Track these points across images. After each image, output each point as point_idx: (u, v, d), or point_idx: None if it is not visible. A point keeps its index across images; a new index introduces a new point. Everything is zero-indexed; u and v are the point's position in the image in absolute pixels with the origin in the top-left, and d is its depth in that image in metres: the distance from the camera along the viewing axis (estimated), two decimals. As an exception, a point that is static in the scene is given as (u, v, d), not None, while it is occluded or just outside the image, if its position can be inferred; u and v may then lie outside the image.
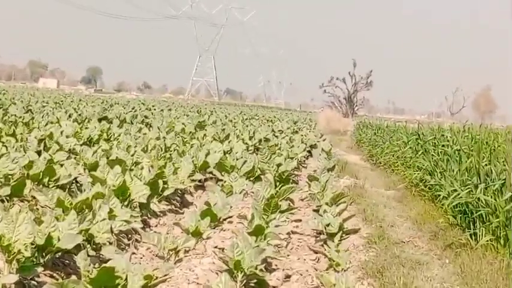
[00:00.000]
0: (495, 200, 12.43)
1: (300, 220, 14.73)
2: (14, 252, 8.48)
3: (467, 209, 13.93)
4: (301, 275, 10.45)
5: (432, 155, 20.36)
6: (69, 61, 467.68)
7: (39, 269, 8.91)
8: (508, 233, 11.52)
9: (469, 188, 14.19)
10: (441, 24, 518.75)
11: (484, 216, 12.95)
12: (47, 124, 28.91)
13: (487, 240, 12.09)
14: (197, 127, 39.94)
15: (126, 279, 7.87)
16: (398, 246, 12.41)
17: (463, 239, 12.84)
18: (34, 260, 8.75)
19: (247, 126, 48.29)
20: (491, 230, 12.33)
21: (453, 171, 16.45)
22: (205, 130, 37.55)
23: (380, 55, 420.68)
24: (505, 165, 13.46)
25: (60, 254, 9.49)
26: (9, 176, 13.19)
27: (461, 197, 14.33)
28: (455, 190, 14.82)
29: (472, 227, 13.42)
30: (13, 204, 11.42)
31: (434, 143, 21.76)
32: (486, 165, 14.45)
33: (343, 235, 12.59)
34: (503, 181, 12.81)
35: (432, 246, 12.71)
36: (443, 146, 20.37)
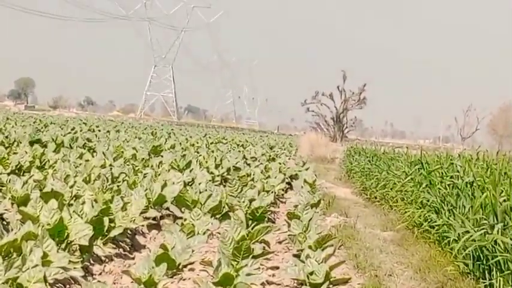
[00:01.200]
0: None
1: (278, 267, 14.73)
2: None
3: (481, 255, 13.91)
4: None
5: (439, 188, 20.25)
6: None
7: None
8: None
9: (484, 228, 14.19)
10: (450, 28, 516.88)
11: (502, 263, 12.97)
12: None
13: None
14: (151, 153, 39.95)
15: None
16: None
17: (477, 293, 12.86)
18: None
19: (213, 151, 48.36)
20: (511, 279, 12.36)
21: (464, 208, 16.45)
22: (162, 157, 37.41)
23: (375, 66, 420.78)
24: None
25: None
26: None
27: (474, 240, 14.33)
28: (467, 231, 14.81)
29: (487, 276, 13.43)
30: None
31: (442, 174, 21.65)
32: (505, 201, 14.45)
33: (330, 286, 12.61)
34: None
35: None
36: (452, 177, 20.24)
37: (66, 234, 13.12)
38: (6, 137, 39.73)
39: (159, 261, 12.67)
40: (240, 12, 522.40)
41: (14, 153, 28.50)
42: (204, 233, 16.47)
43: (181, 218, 18.81)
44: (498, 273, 12.97)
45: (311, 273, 12.53)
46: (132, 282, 11.95)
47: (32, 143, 36.60)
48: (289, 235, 17.93)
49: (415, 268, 15.28)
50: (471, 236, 14.39)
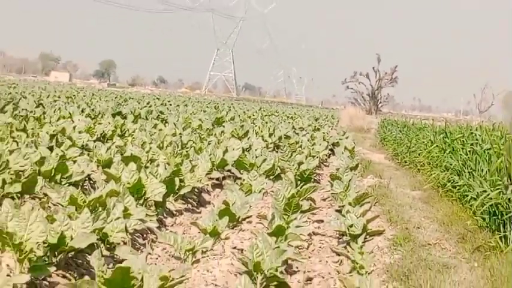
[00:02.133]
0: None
1: (322, 221, 14.73)
2: (26, 251, 8.50)
3: (497, 211, 13.85)
4: (323, 277, 10.45)
5: (460, 154, 20.23)
6: (82, 54, 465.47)
7: (52, 269, 8.95)
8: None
9: (499, 188, 14.13)
10: (469, 17, 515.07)
11: (515, 218, 12.92)
12: (58, 119, 28.88)
13: (519, 244, 12.04)
14: (215, 123, 39.93)
15: (141, 280, 7.89)
16: (425, 248, 12.35)
17: (493, 242, 12.76)
18: (46, 259, 8.79)
19: (266, 123, 48.14)
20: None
21: (482, 171, 16.39)
22: (223, 127, 37.28)
23: (405, 50, 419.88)
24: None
25: (73, 253, 9.53)
26: (20, 173, 13.24)
27: (491, 198, 14.26)
28: (484, 191, 14.76)
29: (502, 229, 13.35)
30: (24, 201, 11.45)
31: (463, 142, 21.57)
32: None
33: (367, 237, 12.58)
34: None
35: (460, 249, 12.66)
36: (472, 145, 20.18)
37: (143, 191, 13.18)
38: (93, 110, 39.89)
39: (222, 215, 12.71)
40: (290, 3, 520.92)
41: (99, 123, 28.63)
42: (259, 192, 16.51)
43: (240, 178, 18.87)
44: (511, 227, 12.93)
45: (351, 226, 12.50)
46: (199, 232, 11.97)
47: (114, 115, 36.82)
48: (331, 193, 17.94)
49: (439, 222, 15.21)
50: (488, 194, 14.34)
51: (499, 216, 13.64)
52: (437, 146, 25.29)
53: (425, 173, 24.21)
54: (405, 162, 30.40)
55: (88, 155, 17.64)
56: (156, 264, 9.65)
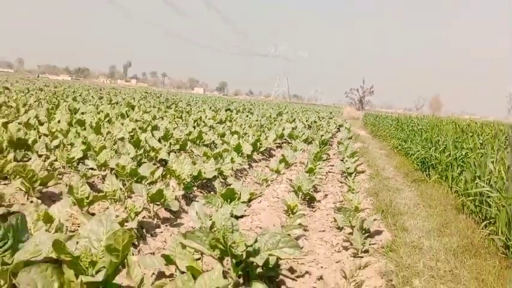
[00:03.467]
0: (440, 155, 12.35)
1: (333, 165, 14.76)
2: (182, 179, 8.74)
3: (425, 161, 13.86)
4: (333, 194, 10.53)
5: (406, 131, 20.34)
6: (211, 77, 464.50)
7: (194, 188, 9.16)
8: (447, 174, 11.46)
9: (425, 149, 14.15)
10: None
11: (434, 164, 12.90)
12: (198, 112, 29.17)
13: (436, 178, 12.04)
14: (278, 114, 40.07)
15: (240, 194, 8.06)
16: (386, 180, 12.41)
17: (422, 177, 12.82)
18: (192, 183, 8.99)
19: (304, 114, 48.03)
20: (438, 172, 12.27)
21: (417, 140, 16.37)
22: (282, 116, 37.54)
23: (379, 69, 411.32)
24: (446, 137, 13.35)
25: (205, 181, 9.72)
26: (179, 139, 13.44)
27: (421, 154, 14.31)
28: (418, 150, 14.79)
29: (427, 170, 13.39)
30: (180, 154, 11.63)
31: (407, 125, 21.68)
32: (435, 136, 14.37)
33: (356, 174, 12.65)
34: (445, 145, 12.72)
35: (405, 180, 12.69)
36: (412, 126, 20.30)
37: (241, 149, 13.24)
38: (215, 107, 40.12)
39: (281, 161, 12.80)
40: (315, 43, 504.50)
41: (218, 114, 28.71)
42: (300, 150, 16.56)
43: (291, 143, 18.87)
44: (432, 169, 12.92)
45: (348, 168, 12.55)
46: (269, 170, 12.02)
47: (226, 110, 37.10)
48: (338, 151, 17.99)
49: (394, 166, 15.20)
50: (420, 152, 14.35)
51: (426, 164, 13.64)
52: (393, 126, 25.37)
53: (388, 140, 24.18)
54: (377, 135, 30.31)
55: (212, 130, 17.80)
56: (247, 186, 9.76)
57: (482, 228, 7.30)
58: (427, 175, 13.13)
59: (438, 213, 8.60)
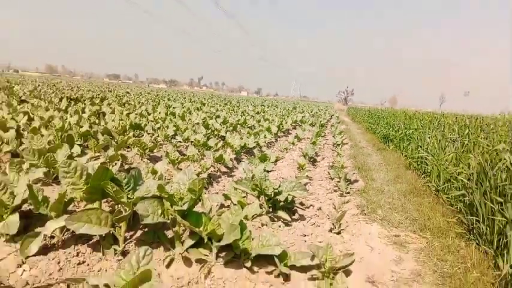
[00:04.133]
0: (395, 133, 12.10)
1: (327, 139, 14.46)
2: (234, 148, 8.70)
3: (386, 137, 13.56)
4: (328, 157, 10.34)
5: (374, 118, 19.80)
6: (251, 84, 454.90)
7: (242, 154, 9.11)
8: (400, 145, 11.23)
9: (386, 129, 13.84)
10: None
11: (391, 139, 12.64)
12: (243, 106, 28.68)
13: (392, 148, 11.81)
14: (293, 108, 39.12)
15: (270, 157, 8.02)
16: (361, 149, 12.16)
17: (384, 147, 12.55)
18: (240, 151, 8.96)
19: (309, 108, 47.11)
20: (394, 144, 12.02)
21: (381, 123, 16.00)
22: (296, 109, 36.40)
23: (358, 75, 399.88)
24: (399, 121, 13.01)
25: (248, 149, 9.66)
26: (232, 123, 13.28)
27: (383, 132, 14.00)
28: (381, 130, 14.47)
29: (387, 143, 13.10)
30: (233, 132, 11.59)
31: (375, 114, 21.07)
32: (392, 121, 14.03)
33: (342, 145, 12.41)
34: (398, 127, 12.44)
35: (373, 149, 12.39)
36: (378, 115, 19.74)
37: (270, 129, 13.04)
38: (255, 104, 39.66)
39: (295, 137, 12.61)
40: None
41: (256, 108, 28.25)
42: (307, 130, 16.32)
43: (301, 126, 18.57)
44: (390, 142, 12.65)
45: (337, 141, 12.35)
46: (288, 143, 11.80)
47: (261, 105, 36.33)
48: (331, 131, 17.60)
49: (367, 140, 14.85)
50: (382, 131, 14.03)
51: (387, 138, 13.35)
52: (366, 115, 24.61)
53: (362, 124, 23.55)
54: (356, 121, 29.55)
55: (252, 118, 17.63)
56: (274, 152, 9.68)
57: (422, 179, 7.22)
58: (387, 146, 12.84)
59: (394, 170, 8.47)
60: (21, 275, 3.06)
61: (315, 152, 9.97)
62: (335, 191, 6.60)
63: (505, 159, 4.21)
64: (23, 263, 3.17)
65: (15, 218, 3.39)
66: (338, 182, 6.95)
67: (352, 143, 13.71)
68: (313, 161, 9.48)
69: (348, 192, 6.33)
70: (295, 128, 18.43)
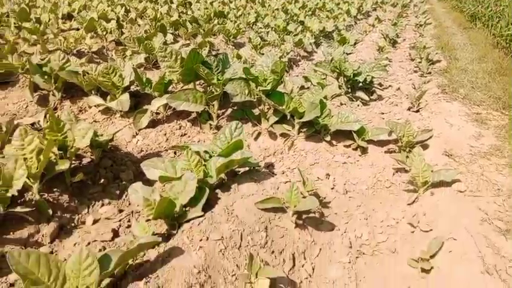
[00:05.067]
0: (485, 10, 10.61)
1: (409, 20, 12.83)
2: (313, 32, 8.24)
3: (473, 15, 11.90)
4: (409, 39, 9.42)
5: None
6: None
7: (321, 37, 8.62)
8: (488, 23, 9.91)
9: (475, 6, 12.13)
10: None
11: (479, 17, 11.17)
12: None
13: (480, 26, 10.48)
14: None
15: (349, 39, 7.59)
16: (446, 28, 10.96)
17: (471, 26, 11.15)
18: (319, 34, 8.50)
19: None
20: (482, 22, 10.65)
21: (469, 0, 14.01)
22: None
23: None
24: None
25: (327, 33, 9.02)
26: (311, 8, 12.40)
27: (471, 10, 12.31)
28: (469, 7, 12.73)
29: (474, 21, 11.57)
30: (312, 17, 10.87)
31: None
32: None
33: (425, 25, 11.15)
34: (488, 3, 10.84)
35: (459, 29, 11.06)
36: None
37: (349, 12, 12.08)
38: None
39: (375, 20, 11.59)
40: None
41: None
42: (389, 11, 14.77)
43: (382, 7, 16.70)
44: (477, 20, 11.15)
45: (419, 21, 11.05)
46: (368, 25, 10.85)
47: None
48: (414, 11, 15.65)
49: (452, 19, 13.23)
50: (470, 8, 12.36)
51: (474, 17, 11.78)
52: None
53: (448, 2, 20.67)
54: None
55: (331, 1, 16.31)
56: (353, 35, 8.99)
57: (510, 58, 6.46)
58: (474, 24, 11.41)
59: (480, 49, 7.61)
60: (136, 143, 3.45)
61: (396, 34, 9.17)
62: (415, 71, 6.19)
63: None
64: (136, 134, 3.56)
65: (126, 96, 3.71)
66: (419, 62, 6.46)
67: (435, 23, 12.34)
68: (393, 43, 8.80)
69: (429, 73, 5.91)
70: (375, 10, 16.76)
